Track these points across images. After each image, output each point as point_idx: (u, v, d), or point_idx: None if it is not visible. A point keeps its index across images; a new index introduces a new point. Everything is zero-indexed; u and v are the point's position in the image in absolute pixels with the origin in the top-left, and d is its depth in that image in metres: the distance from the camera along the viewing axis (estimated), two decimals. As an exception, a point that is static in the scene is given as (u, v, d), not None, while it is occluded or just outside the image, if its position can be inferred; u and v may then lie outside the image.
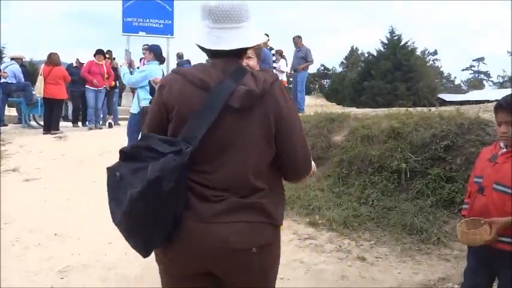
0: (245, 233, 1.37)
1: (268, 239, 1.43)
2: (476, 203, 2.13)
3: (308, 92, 13.43)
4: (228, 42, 1.40)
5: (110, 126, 9.78)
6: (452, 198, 4.07)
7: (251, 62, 2.12)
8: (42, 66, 8.93)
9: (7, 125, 9.59)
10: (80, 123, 10.06)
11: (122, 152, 1.40)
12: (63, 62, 9.52)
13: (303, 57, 10.18)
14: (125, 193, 1.28)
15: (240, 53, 1.46)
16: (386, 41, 31.49)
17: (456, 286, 3.03)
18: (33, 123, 9.92)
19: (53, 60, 8.70)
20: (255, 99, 1.35)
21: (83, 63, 9.47)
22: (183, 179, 1.34)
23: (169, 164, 1.27)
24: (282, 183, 1.55)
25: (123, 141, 5.28)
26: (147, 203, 1.27)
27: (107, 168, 1.42)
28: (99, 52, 9.29)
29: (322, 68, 44.29)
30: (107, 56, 9.76)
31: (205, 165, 1.39)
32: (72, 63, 10.35)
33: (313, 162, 1.60)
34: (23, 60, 10.83)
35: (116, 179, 1.35)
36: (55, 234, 3.97)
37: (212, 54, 1.45)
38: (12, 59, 9.92)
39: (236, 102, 1.33)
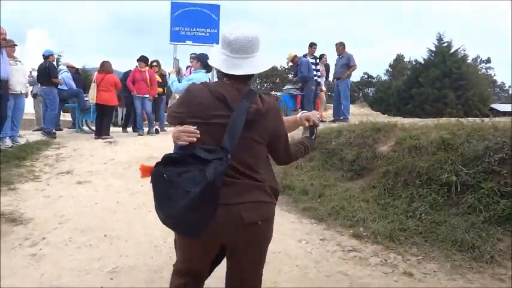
0: (253, 210, 1.83)
1: (269, 214, 1.93)
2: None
3: (352, 101, 13.13)
4: (241, 68, 1.86)
5: (157, 132, 10.06)
6: (507, 214, 3.84)
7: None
8: (95, 74, 9.38)
9: (62, 129, 10.17)
10: (129, 129, 10.43)
11: (167, 157, 1.78)
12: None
13: (345, 64, 9.86)
14: (176, 192, 1.67)
15: (249, 76, 1.92)
16: (434, 48, 30.48)
17: (512, 309, 2.86)
18: (85, 128, 10.42)
19: (105, 68, 9.14)
20: (260, 115, 1.85)
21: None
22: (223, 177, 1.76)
23: (220, 168, 1.69)
24: (273, 173, 2.03)
25: (170, 147, 5.43)
26: (205, 198, 1.66)
27: (152, 172, 1.78)
28: (141, 59, 9.60)
29: (366, 76, 43.52)
30: (154, 64, 10.09)
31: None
32: (130, 70, 10.74)
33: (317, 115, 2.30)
34: (78, 69, 11.41)
35: (164, 180, 1.72)
36: (105, 235, 4.14)
37: (227, 76, 1.90)
38: (67, 67, 10.48)
39: (249, 116, 1.82)
